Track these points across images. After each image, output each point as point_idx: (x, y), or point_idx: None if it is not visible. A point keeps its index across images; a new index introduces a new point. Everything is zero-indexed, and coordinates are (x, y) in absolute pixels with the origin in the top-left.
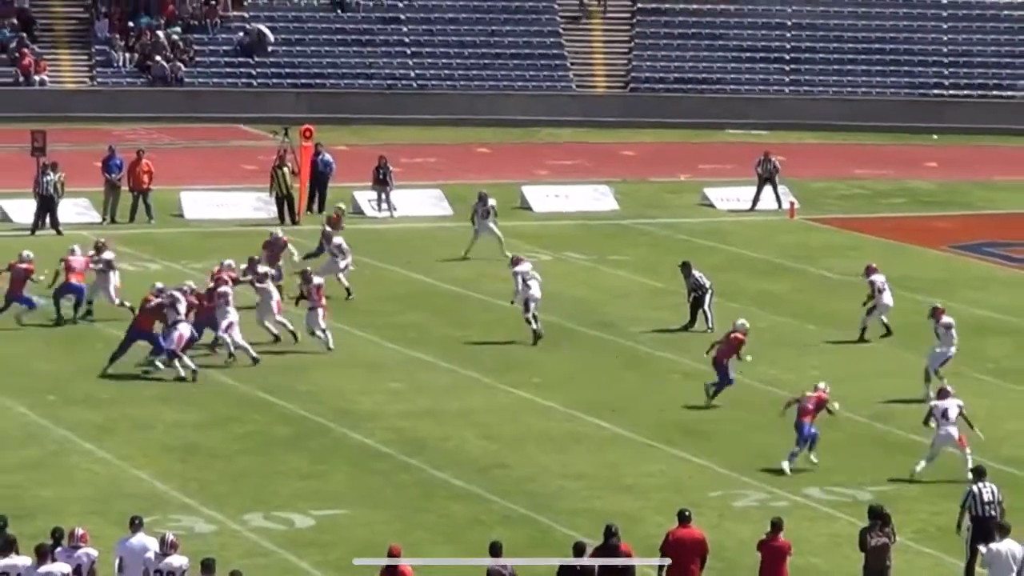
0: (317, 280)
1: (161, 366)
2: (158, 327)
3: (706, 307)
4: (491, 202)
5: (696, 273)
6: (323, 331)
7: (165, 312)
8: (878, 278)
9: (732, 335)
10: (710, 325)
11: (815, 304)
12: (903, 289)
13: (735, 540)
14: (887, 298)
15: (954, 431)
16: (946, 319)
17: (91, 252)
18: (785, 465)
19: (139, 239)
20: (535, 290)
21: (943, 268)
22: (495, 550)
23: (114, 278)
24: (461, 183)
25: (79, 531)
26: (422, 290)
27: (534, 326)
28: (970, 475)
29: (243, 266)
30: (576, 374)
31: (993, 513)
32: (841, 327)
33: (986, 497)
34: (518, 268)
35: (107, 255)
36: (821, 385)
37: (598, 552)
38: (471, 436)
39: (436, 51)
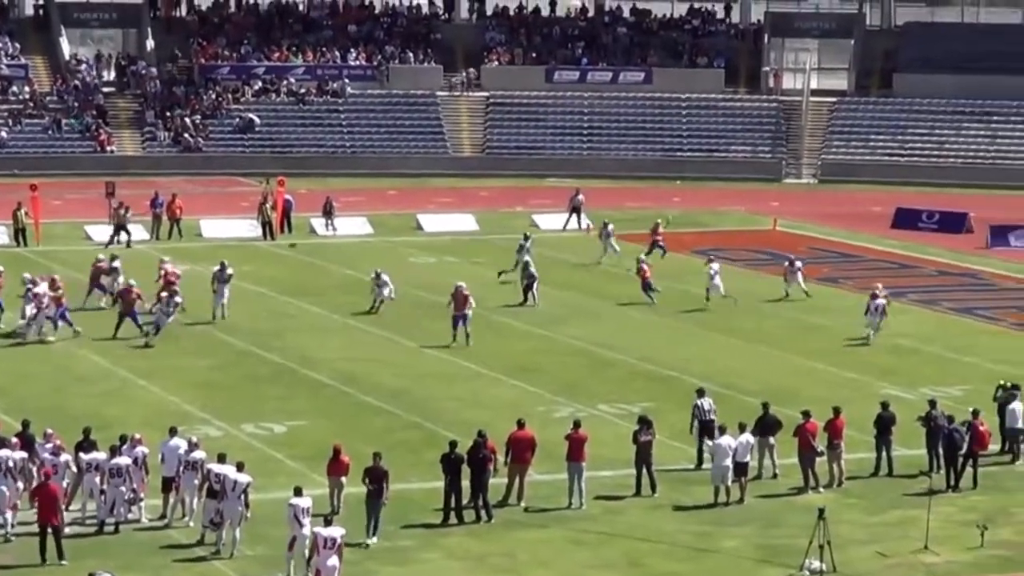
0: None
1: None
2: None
3: (534, 291)
4: (611, 226)
5: (530, 268)
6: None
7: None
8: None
9: None
10: (536, 303)
11: (603, 287)
12: (669, 280)
13: (553, 437)
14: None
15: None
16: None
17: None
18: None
19: (174, 251)
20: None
21: (686, 266)
22: (376, 457)
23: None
24: (379, 213)
25: (136, 436)
26: (355, 280)
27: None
28: (696, 393)
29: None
30: (450, 334)
31: (712, 418)
32: (621, 301)
33: (706, 407)
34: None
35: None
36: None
37: (473, 448)
38: (386, 373)
39: (363, 129)
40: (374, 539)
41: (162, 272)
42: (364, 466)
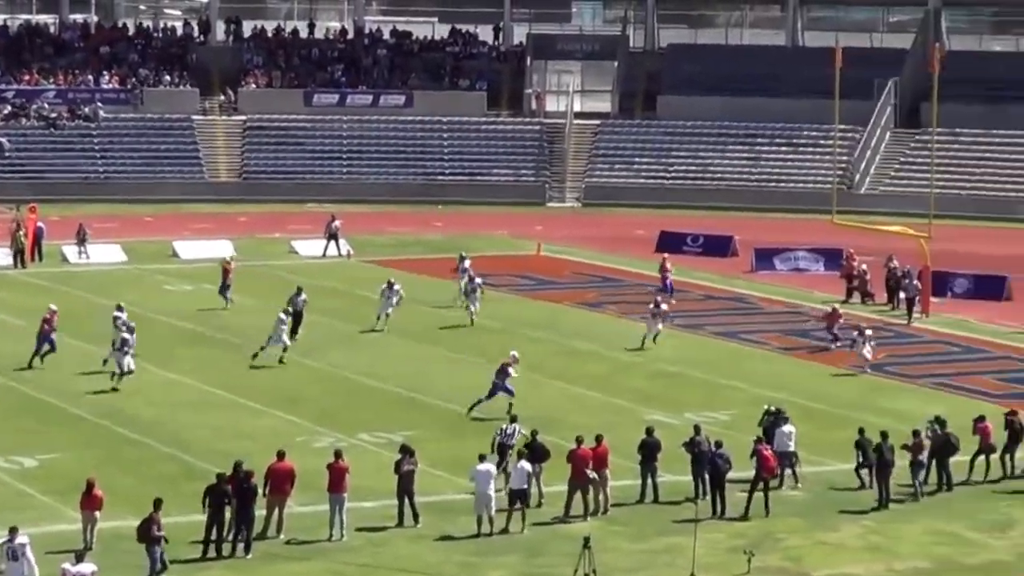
0: None
1: None
2: None
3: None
4: (468, 261)
5: (302, 296)
6: None
7: None
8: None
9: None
10: (295, 339)
11: (359, 314)
12: (422, 304)
13: (313, 467)
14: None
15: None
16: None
17: None
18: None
19: None
20: None
21: (448, 290)
22: (157, 505)
23: None
24: (133, 240)
25: None
26: (108, 309)
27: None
28: (509, 418)
29: None
30: (208, 362)
31: (512, 443)
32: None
33: (509, 431)
34: None
35: None
36: (514, 353)
37: (233, 477)
38: (142, 404)
39: (116, 154)
40: None
41: None
42: (117, 497)
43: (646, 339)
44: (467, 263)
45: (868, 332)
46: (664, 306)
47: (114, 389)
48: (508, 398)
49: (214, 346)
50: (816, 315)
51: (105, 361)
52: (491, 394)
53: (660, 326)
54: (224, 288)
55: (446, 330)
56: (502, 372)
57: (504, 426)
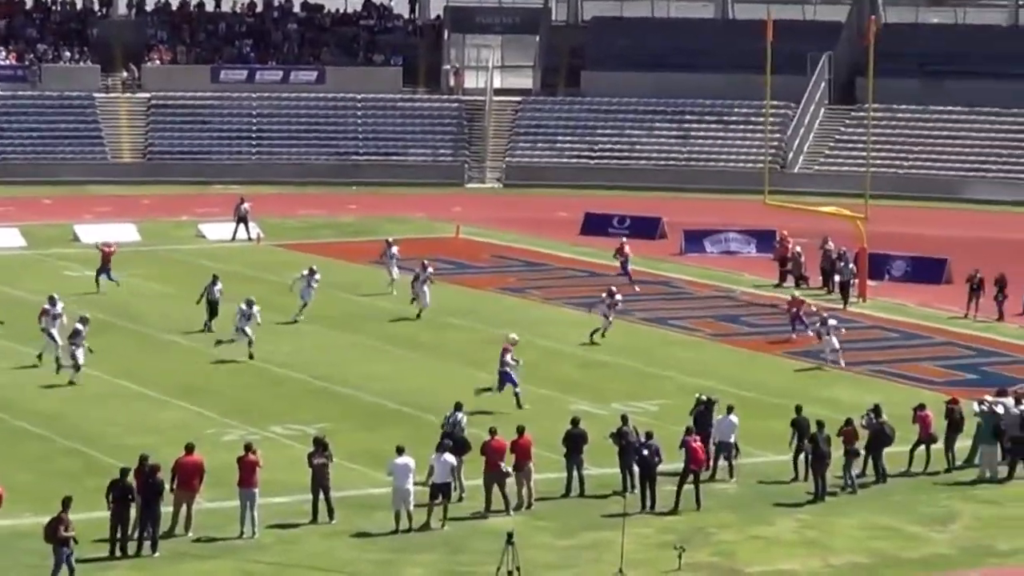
0: None
1: None
2: None
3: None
4: (395, 248)
5: (218, 286)
6: None
7: None
8: None
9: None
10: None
11: (271, 301)
12: (337, 290)
13: (223, 462)
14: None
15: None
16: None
17: None
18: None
19: None
20: None
21: (364, 275)
22: (65, 504)
23: None
24: (32, 224)
25: None
26: (10, 298)
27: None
28: (453, 407)
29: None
30: (113, 352)
31: (454, 431)
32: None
33: (452, 420)
34: None
35: None
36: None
37: (138, 472)
38: (42, 396)
39: (14, 134)
40: None
41: None
42: (17, 494)
43: (597, 332)
44: (395, 249)
45: (832, 322)
46: (619, 296)
47: (71, 383)
48: (508, 387)
49: (118, 334)
50: (749, 300)
51: (40, 356)
52: (501, 385)
53: (611, 319)
54: (102, 271)
55: (361, 317)
56: (503, 357)
57: (448, 415)
